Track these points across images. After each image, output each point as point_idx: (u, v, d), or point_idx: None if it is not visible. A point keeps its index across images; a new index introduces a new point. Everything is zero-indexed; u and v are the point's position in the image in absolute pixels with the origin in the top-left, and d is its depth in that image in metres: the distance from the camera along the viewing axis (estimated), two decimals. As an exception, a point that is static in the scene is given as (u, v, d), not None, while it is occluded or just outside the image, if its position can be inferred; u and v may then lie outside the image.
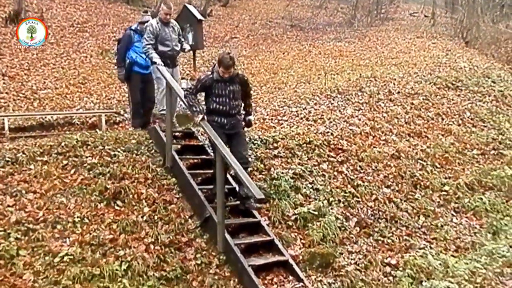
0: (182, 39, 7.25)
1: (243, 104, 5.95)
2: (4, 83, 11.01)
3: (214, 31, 19.78)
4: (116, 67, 7.82)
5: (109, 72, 12.93)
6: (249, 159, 5.96)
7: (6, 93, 10.53)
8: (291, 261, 5.36)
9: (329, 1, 28.20)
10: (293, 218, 6.05)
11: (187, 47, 7.24)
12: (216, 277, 5.11)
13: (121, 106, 9.82)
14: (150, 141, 6.86)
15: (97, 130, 8.02)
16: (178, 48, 7.06)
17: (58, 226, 5.39)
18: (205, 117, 5.67)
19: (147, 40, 6.77)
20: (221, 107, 5.63)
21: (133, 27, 7.61)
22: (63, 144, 6.60)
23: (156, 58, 6.69)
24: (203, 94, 6.00)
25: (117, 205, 5.79)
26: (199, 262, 5.28)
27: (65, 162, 6.33)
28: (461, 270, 4.41)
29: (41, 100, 10.18)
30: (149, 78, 7.33)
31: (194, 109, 5.69)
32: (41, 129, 8.94)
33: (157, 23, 6.82)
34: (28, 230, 5.24)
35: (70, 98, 10.44)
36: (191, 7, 8.70)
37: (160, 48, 6.79)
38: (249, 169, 5.97)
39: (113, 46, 15.86)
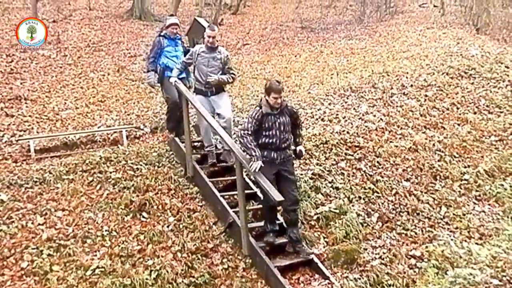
0: (228, 69, 6.68)
1: (292, 137, 5.64)
2: (27, 107, 11.35)
3: (226, 39, 19.96)
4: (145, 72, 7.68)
5: (126, 89, 13.18)
6: (298, 198, 5.67)
7: (30, 116, 10.85)
8: (316, 259, 5.48)
9: (338, -1, 28.21)
10: (315, 217, 6.17)
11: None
12: (243, 280, 5.26)
13: (140, 121, 10.07)
14: (171, 152, 7.07)
15: (119, 145, 8.30)
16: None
17: (88, 241, 5.64)
18: (262, 164, 5.19)
19: (184, 60, 6.79)
20: (271, 140, 5.34)
21: (162, 33, 7.45)
22: (87, 161, 6.89)
23: (172, 75, 6.76)
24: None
25: (143, 217, 6.01)
26: (226, 266, 5.45)
27: (90, 178, 6.60)
28: (483, 256, 4.45)
29: (63, 121, 10.47)
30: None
31: (253, 153, 5.20)
32: (65, 149, 9.19)
33: (201, 47, 6.59)
34: (59, 246, 5.51)
35: (91, 117, 10.73)
36: (201, 20, 8.90)
37: (196, 73, 6.61)
38: (298, 209, 5.69)
39: (129, 63, 16.25)
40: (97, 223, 5.90)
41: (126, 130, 9.33)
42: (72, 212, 6.03)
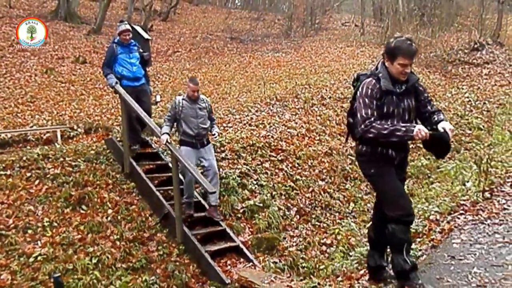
0: (213, 117, 6.73)
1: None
2: (-50, 107, 11.12)
3: (156, 46, 20.28)
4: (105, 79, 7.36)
5: (56, 90, 13.22)
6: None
7: (-46, 116, 10.66)
8: (241, 246, 6.22)
9: (267, 13, 29.55)
10: (241, 210, 6.94)
11: (216, 132, 6.58)
12: (177, 264, 5.88)
13: (73, 122, 10.28)
14: (108, 151, 7.49)
15: (56, 144, 8.54)
16: (205, 126, 6.41)
17: (29, 231, 5.99)
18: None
19: (166, 117, 6.50)
20: None
21: (115, 40, 7.29)
22: (24, 158, 7.12)
23: (162, 131, 6.38)
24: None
25: (82, 209, 6.44)
26: (161, 253, 6.04)
27: (28, 174, 6.87)
28: (376, 238, 5.53)
29: (-8, 120, 10.44)
30: (141, 89, 7.27)
31: (402, 128, 3.29)
32: (-4, 148, 9.21)
33: (183, 98, 6.43)
34: (0, 236, 5.81)
35: (22, 117, 10.73)
36: (137, 27, 9.35)
37: (183, 126, 6.33)
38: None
39: (57, 64, 16.16)
40: (37, 215, 6.23)
41: (60, 130, 9.52)
42: (12, 205, 6.30)
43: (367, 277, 4.40)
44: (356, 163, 4.20)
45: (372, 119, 3.34)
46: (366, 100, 3.38)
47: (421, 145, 3.70)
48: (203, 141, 6.43)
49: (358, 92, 3.48)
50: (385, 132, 3.30)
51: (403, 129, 3.28)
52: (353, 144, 9.41)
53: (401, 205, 3.45)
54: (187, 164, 5.99)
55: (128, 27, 7.28)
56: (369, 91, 3.40)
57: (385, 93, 3.40)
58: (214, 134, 6.56)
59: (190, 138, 6.32)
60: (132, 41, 7.35)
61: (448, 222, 4.99)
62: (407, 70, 3.39)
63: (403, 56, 3.33)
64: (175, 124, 6.47)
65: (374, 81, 3.43)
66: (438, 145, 3.37)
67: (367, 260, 4.04)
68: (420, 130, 3.24)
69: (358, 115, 3.41)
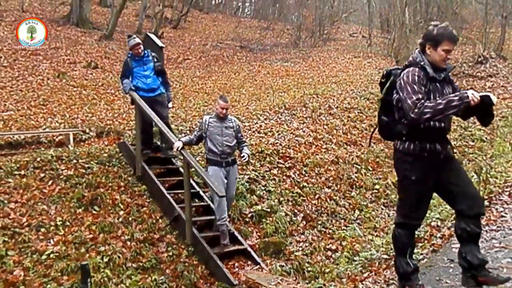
0: (241, 137, 6.55)
1: None
2: (-35, 108, 11.34)
3: (167, 53, 20.43)
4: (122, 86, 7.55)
5: (68, 94, 13.45)
6: (481, 197, 3.68)
7: (-31, 117, 10.87)
8: (249, 249, 6.36)
9: (276, 22, 29.86)
10: (249, 215, 7.09)
11: (245, 154, 6.41)
12: (186, 264, 6.03)
13: (86, 125, 10.48)
14: (121, 154, 7.67)
15: (69, 146, 8.73)
16: (230, 144, 6.30)
17: (42, 229, 6.14)
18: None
19: (192, 134, 6.70)
20: (436, 124, 3.39)
21: (129, 54, 7.45)
22: (38, 159, 7.30)
23: (181, 139, 6.58)
24: None
25: (95, 210, 6.60)
26: (170, 254, 6.19)
27: (42, 175, 7.04)
28: (380, 243, 5.66)
29: (6, 122, 10.61)
30: (156, 99, 7.36)
31: (454, 98, 3.17)
32: (9, 148, 9.35)
33: (210, 117, 6.41)
34: (14, 233, 5.97)
35: (35, 119, 10.93)
36: (152, 36, 9.54)
37: (209, 143, 6.29)
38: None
39: (69, 69, 16.45)
40: (50, 214, 6.40)
41: (72, 133, 9.71)
42: (25, 204, 6.46)
43: (370, 279, 4.56)
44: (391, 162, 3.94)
45: (423, 100, 3.22)
46: (415, 86, 3.29)
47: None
48: (229, 160, 6.32)
49: (401, 82, 3.38)
50: (441, 107, 3.16)
51: (456, 98, 3.16)
52: (359, 153, 9.61)
53: (413, 216, 3.51)
54: (199, 169, 6.16)
55: (138, 40, 7.39)
56: (416, 77, 3.33)
57: (431, 80, 3.38)
58: (244, 156, 6.39)
59: (215, 156, 6.25)
60: (146, 52, 7.44)
61: (448, 228, 5.19)
62: (450, 56, 3.41)
63: (448, 41, 3.34)
64: (202, 141, 6.50)
65: (417, 69, 3.38)
66: (486, 108, 3.28)
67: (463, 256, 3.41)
68: (473, 93, 3.14)
69: (409, 102, 3.25)
